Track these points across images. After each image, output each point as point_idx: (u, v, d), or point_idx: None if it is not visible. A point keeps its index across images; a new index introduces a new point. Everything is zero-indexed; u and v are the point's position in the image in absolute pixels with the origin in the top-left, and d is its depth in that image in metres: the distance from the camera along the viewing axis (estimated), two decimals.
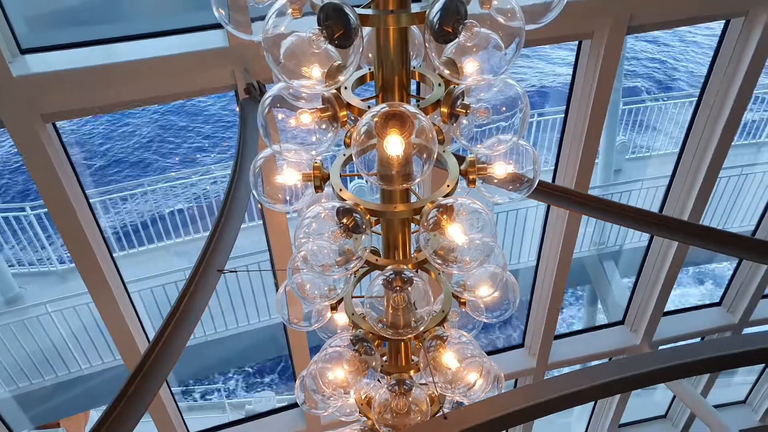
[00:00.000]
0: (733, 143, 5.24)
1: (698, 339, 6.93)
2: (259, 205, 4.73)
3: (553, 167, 5.31)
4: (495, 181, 1.87)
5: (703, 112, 5.10)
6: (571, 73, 4.82)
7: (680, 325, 6.77)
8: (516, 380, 6.64)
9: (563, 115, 5.01)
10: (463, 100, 1.67)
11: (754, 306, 6.66)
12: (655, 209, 7.17)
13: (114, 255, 4.47)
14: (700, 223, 5.74)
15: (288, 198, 1.98)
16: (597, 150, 5.00)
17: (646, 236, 6.47)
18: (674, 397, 7.86)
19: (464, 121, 1.66)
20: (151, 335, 4.95)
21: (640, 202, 8.21)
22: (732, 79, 4.79)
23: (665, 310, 6.43)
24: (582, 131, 4.76)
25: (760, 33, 4.47)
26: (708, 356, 2.18)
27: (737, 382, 8.60)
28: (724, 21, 4.74)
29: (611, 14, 4.21)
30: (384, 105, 1.50)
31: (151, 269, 7.34)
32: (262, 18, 1.61)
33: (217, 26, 3.62)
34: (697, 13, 4.48)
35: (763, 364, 7.80)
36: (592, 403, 7.52)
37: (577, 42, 4.59)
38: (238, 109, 3.57)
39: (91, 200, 4.03)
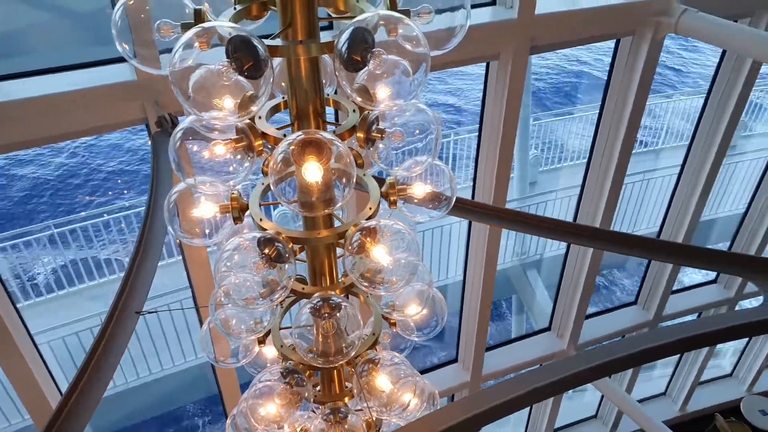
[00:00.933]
0: (634, 151, 5.62)
1: (619, 338, 7.30)
2: (178, 241, 4.58)
3: (472, 183, 5.48)
4: (415, 201, 1.90)
5: (605, 124, 5.44)
6: (482, 92, 5.03)
7: (603, 326, 7.10)
8: (453, 395, 6.71)
9: (478, 132, 5.20)
10: (377, 124, 1.70)
11: (665, 302, 7.10)
12: (570, 217, 7.54)
13: (18, 305, 4.17)
14: (611, 227, 6.09)
15: (207, 231, 1.93)
16: (511, 165, 5.21)
17: (564, 244, 6.77)
18: (602, 396, 8.21)
19: (381, 145, 1.69)
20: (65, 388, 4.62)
21: (556, 211, 8.61)
22: (627, 92, 5.15)
23: (587, 313, 6.73)
24: (496, 147, 4.95)
25: (647, 49, 4.85)
26: (627, 353, 2.30)
27: (657, 376, 9.10)
28: (615, 40, 5.12)
29: (515, 37, 4.44)
30: (300, 132, 1.50)
31: (62, 317, 6.89)
32: (170, 50, 1.59)
33: (123, 59, 3.51)
34: (591, 33, 4.81)
35: (678, 356, 8.31)
36: (528, 410, 7.72)
37: (485, 63, 4.81)
38: (149, 142, 3.46)
39: None
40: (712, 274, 7.73)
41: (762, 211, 6.93)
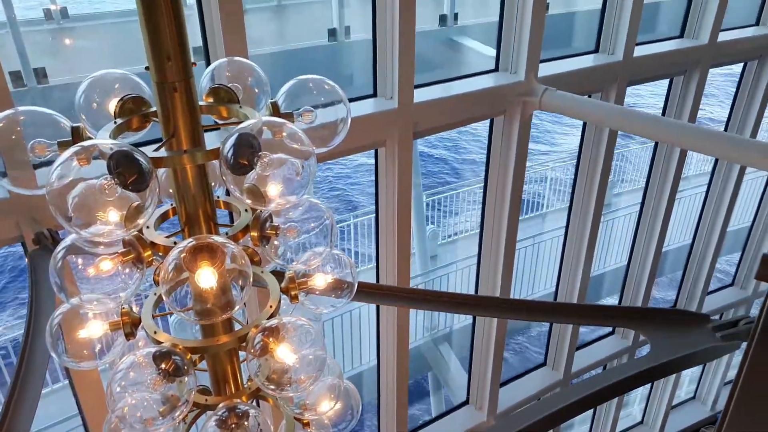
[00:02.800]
0: (523, 217, 6.00)
1: (535, 401, 7.44)
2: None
3: (375, 265, 5.55)
4: (317, 292, 1.90)
5: (491, 196, 5.80)
6: (374, 177, 5.22)
7: (518, 391, 7.23)
8: None
9: (375, 215, 5.33)
10: (271, 222, 1.71)
11: (572, 359, 7.38)
12: (471, 286, 7.77)
13: None
14: (511, 292, 6.35)
15: (96, 351, 1.81)
16: (410, 243, 5.36)
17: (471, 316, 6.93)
18: None
19: (276, 242, 1.69)
20: None
21: (459, 282, 8.86)
22: (506, 164, 5.56)
23: (501, 381, 6.84)
24: (393, 228, 5.10)
25: (518, 125, 5.31)
26: (545, 414, 2.37)
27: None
28: (489, 120, 5.57)
29: (398, 124, 4.70)
30: (190, 239, 1.48)
31: None
32: (46, 165, 1.53)
33: None
34: (467, 116, 5.21)
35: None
36: None
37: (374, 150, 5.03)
38: (27, 261, 3.23)
39: None
40: (607, 328, 8.19)
41: (641, 262, 7.55)
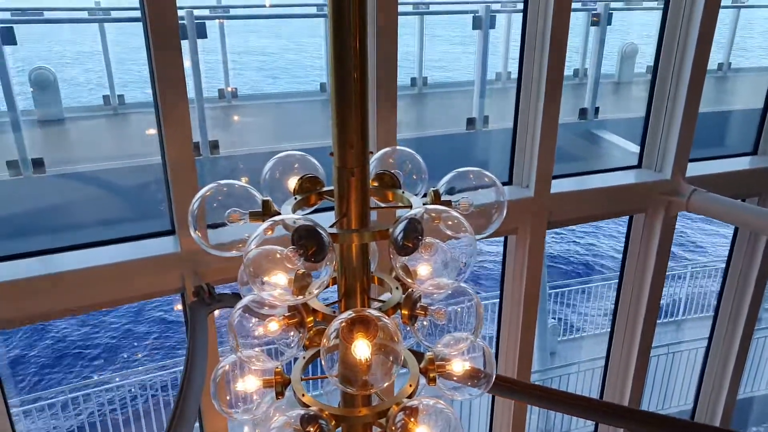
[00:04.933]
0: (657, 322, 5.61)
1: None
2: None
3: (495, 352, 5.41)
4: (454, 378, 1.92)
5: (625, 295, 5.50)
6: (501, 264, 5.19)
7: None
8: None
9: (497, 301, 5.26)
10: (420, 302, 1.78)
11: None
12: (593, 391, 7.26)
13: None
14: (641, 403, 5.85)
15: (238, 405, 1.94)
16: (534, 337, 5.19)
17: (591, 421, 6.45)
18: None
19: (424, 322, 1.76)
20: None
21: (579, 384, 8.32)
22: (645, 265, 5.29)
23: None
24: (518, 320, 4.98)
25: (661, 226, 5.08)
26: None
27: None
28: (628, 216, 5.38)
29: (532, 213, 4.71)
30: (350, 311, 1.59)
31: None
32: (214, 226, 1.76)
33: (168, 233, 3.76)
34: (604, 210, 5.09)
35: None
36: None
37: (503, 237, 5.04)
38: (182, 309, 3.57)
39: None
40: None
41: None
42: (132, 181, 5.43)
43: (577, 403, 2.56)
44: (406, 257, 1.66)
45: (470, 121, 6.69)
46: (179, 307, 4.18)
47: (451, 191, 1.89)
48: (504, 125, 5.07)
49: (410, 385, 1.86)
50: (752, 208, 5.11)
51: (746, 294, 5.70)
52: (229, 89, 6.61)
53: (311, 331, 1.83)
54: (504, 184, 4.90)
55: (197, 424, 4.50)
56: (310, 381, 2.21)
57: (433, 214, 1.66)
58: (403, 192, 1.91)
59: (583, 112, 7.10)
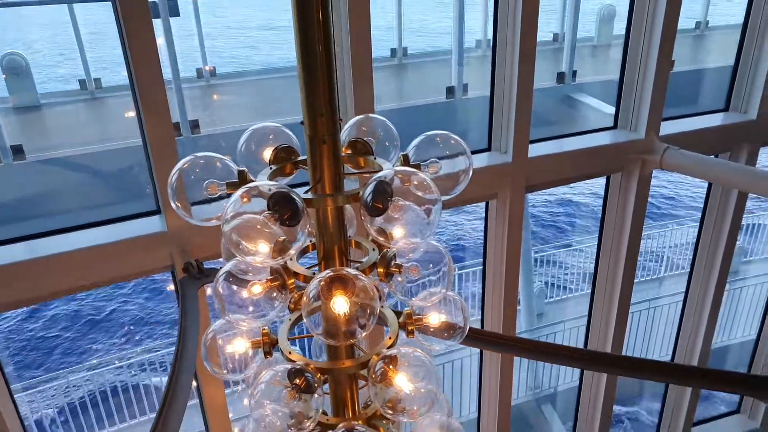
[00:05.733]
0: (638, 280, 5.79)
1: None
2: (194, 384, 4.60)
3: (480, 317, 5.58)
4: (431, 330, 2.04)
5: (604, 256, 5.67)
6: (484, 229, 5.32)
7: None
8: None
9: (482, 267, 5.41)
10: (395, 261, 1.90)
11: None
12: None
13: None
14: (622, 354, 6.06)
15: (231, 368, 2.06)
16: (517, 295, 5.36)
17: (577, 376, 6.68)
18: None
19: (398, 279, 1.87)
20: None
21: (566, 341, 8.56)
22: (622, 224, 5.45)
23: None
24: (501, 281, 5.13)
25: (636, 184, 5.22)
26: None
27: None
28: (605, 177, 5.52)
29: (511, 178, 4.82)
30: (329, 270, 1.70)
31: None
32: (197, 203, 1.84)
33: (153, 213, 3.84)
34: (581, 172, 5.21)
35: None
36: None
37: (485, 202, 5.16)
38: (174, 288, 3.67)
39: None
40: (733, 405, 7.50)
41: None
42: (116, 163, 5.46)
43: (543, 350, 2.71)
44: (378, 218, 1.76)
45: (449, 90, 6.75)
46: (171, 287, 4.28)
47: (420, 155, 1.99)
48: (484, 93, 5.13)
49: (390, 338, 1.98)
50: (723, 163, 5.25)
51: (719, 247, 5.88)
52: (207, 68, 6.60)
53: (295, 294, 1.94)
54: (483, 150, 5.02)
55: (197, 399, 4.64)
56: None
57: (401, 176, 1.76)
58: (375, 158, 2.01)
59: (560, 77, 7.17)
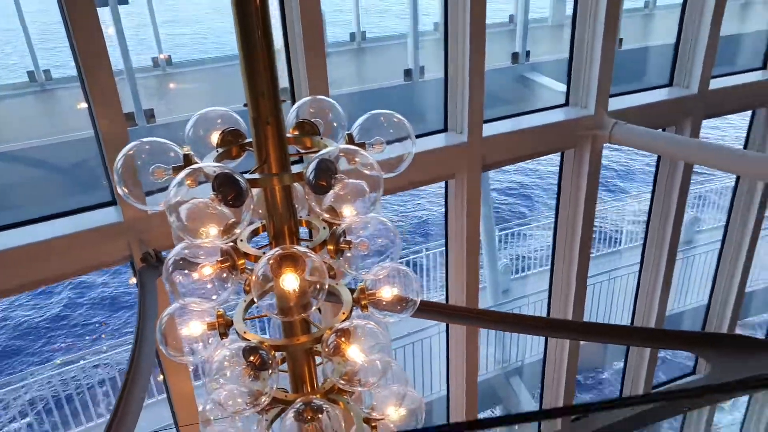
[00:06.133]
0: (599, 252, 5.98)
1: None
2: (161, 377, 4.60)
3: (445, 293, 5.70)
4: (383, 304, 2.11)
5: (561, 230, 5.83)
6: (444, 208, 5.42)
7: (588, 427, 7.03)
8: None
9: (444, 246, 5.51)
10: (345, 237, 1.95)
11: None
12: None
13: None
14: None
15: (189, 350, 2.10)
16: (479, 272, 5.48)
17: (542, 348, 6.88)
18: None
19: (349, 254, 1.93)
20: None
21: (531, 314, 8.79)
22: (577, 199, 5.60)
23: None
24: (462, 258, 5.24)
25: (588, 159, 5.37)
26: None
27: None
28: (560, 153, 5.66)
29: (467, 157, 4.91)
30: (277, 248, 1.74)
31: None
32: (152, 192, 1.86)
33: (109, 204, 3.81)
34: (536, 149, 5.34)
35: None
36: None
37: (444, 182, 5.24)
38: (134, 279, 3.65)
39: None
40: (687, 369, 7.84)
41: (722, 302, 7.24)
42: (71, 156, 5.35)
43: (492, 318, 2.82)
44: (326, 196, 1.81)
45: (407, 73, 6.78)
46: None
47: (365, 135, 2.04)
48: (440, 75, 5.20)
49: (344, 313, 2.04)
50: (668, 137, 5.45)
51: (669, 218, 6.11)
52: (162, 57, 6.49)
53: (248, 276, 1.98)
54: (440, 131, 5.09)
55: (165, 395, 4.64)
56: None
57: (347, 154, 1.81)
58: (321, 138, 2.05)
59: (514, 57, 7.27)
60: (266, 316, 1.89)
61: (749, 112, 6.71)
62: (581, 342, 6.19)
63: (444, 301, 5.73)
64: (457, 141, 4.91)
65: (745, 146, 6.78)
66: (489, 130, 5.01)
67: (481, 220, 8.85)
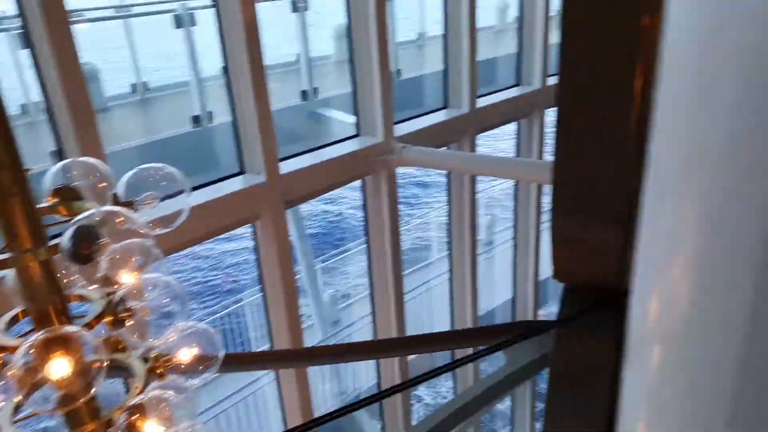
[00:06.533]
0: (418, 266, 6.30)
1: None
2: None
3: (269, 341, 5.56)
4: (183, 367, 1.98)
5: (374, 251, 6.07)
6: (255, 253, 5.32)
7: None
8: None
9: (261, 292, 5.40)
10: (124, 305, 1.80)
11: None
12: None
13: None
14: None
15: None
16: (299, 313, 5.45)
17: (375, 373, 7.04)
18: None
19: (130, 323, 1.78)
20: None
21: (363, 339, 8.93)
22: (381, 220, 5.89)
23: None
24: (280, 301, 5.18)
25: (385, 182, 5.69)
26: None
27: None
28: (360, 181, 5.91)
29: (268, 197, 4.89)
30: (39, 333, 1.54)
31: None
32: None
33: None
34: (335, 180, 5.52)
35: None
36: None
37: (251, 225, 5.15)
38: None
39: None
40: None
41: (523, 293, 8.10)
42: None
43: (305, 354, 2.83)
44: (94, 264, 1.66)
45: (195, 119, 6.60)
46: None
47: (134, 191, 1.92)
48: (229, 119, 5.14)
49: (137, 387, 1.87)
50: (450, 153, 6.01)
51: (464, 224, 6.71)
52: None
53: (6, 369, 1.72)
54: (237, 174, 5.01)
55: None
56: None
57: (110, 216, 1.68)
58: (84, 203, 1.88)
59: (304, 94, 7.48)
60: (40, 413, 1.65)
61: (514, 124, 7.69)
62: (408, 357, 6.47)
63: (269, 347, 5.60)
64: (255, 182, 4.88)
65: (517, 154, 7.72)
66: (287, 167, 5.06)
67: (301, 256, 8.88)
